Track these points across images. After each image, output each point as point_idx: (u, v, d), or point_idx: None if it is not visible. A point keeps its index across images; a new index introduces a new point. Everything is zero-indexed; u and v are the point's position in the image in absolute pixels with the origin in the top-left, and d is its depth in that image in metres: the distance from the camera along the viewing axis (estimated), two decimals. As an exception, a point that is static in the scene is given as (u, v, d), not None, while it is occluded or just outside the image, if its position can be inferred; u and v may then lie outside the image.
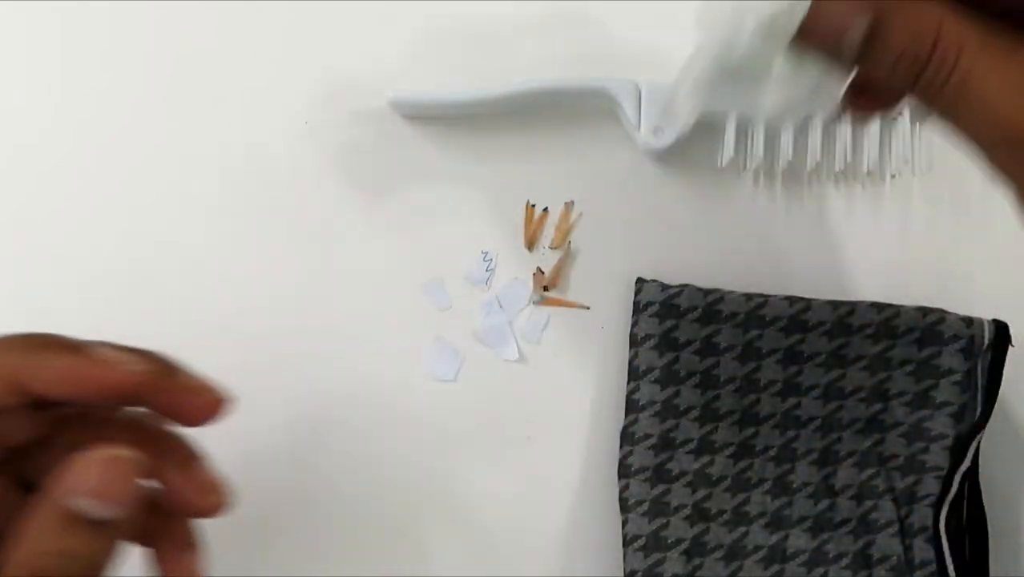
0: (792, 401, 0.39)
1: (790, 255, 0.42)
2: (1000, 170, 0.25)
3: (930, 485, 0.38)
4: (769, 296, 0.40)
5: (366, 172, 0.42)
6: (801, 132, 0.41)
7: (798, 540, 0.38)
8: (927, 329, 0.39)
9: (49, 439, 0.28)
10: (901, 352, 0.39)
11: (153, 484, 0.28)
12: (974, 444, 0.38)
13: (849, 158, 0.40)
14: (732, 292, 0.40)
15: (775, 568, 0.38)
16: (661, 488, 0.39)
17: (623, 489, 0.39)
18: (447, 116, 0.42)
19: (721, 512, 0.39)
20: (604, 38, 0.43)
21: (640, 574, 0.38)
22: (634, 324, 0.40)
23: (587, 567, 0.40)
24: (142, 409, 0.28)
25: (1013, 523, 0.40)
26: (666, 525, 0.38)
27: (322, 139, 0.42)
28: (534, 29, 0.43)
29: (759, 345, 0.39)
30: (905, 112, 0.40)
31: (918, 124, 0.41)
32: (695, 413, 0.39)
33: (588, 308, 0.41)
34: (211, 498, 0.29)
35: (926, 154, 0.41)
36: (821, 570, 0.38)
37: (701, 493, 0.39)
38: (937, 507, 0.38)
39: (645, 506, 0.38)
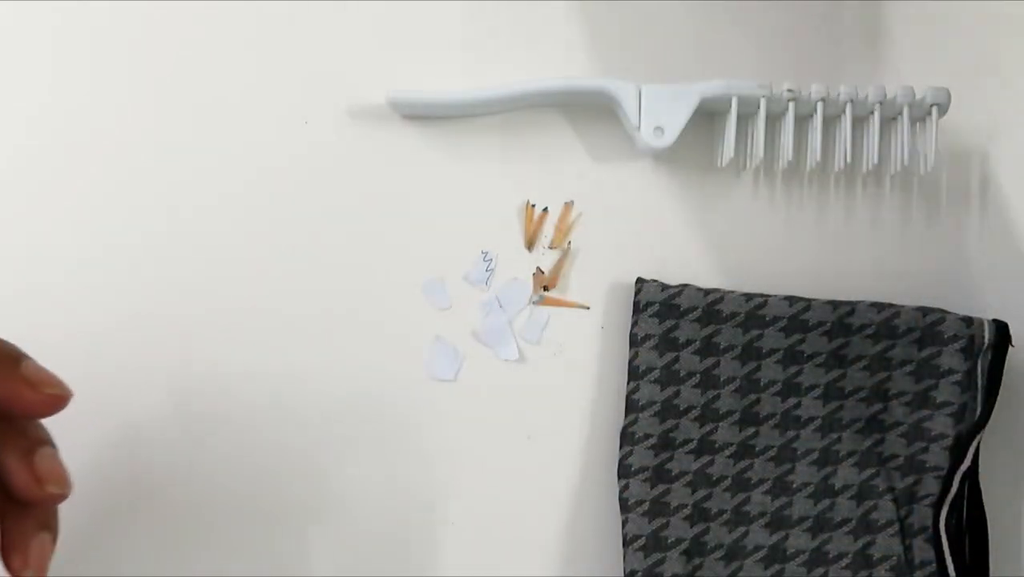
0: (792, 401, 0.39)
1: (790, 255, 0.42)
2: None
3: (930, 485, 0.38)
4: (769, 296, 0.40)
5: (365, 172, 0.42)
6: (801, 132, 0.41)
7: (798, 540, 0.38)
8: (927, 329, 0.39)
9: None
10: (901, 352, 0.39)
11: None
12: (974, 444, 0.38)
13: (849, 158, 0.40)
14: (732, 292, 0.40)
15: (775, 568, 0.38)
16: (661, 488, 0.39)
17: (623, 489, 0.39)
18: (447, 116, 0.42)
19: (721, 512, 0.39)
20: (604, 38, 0.43)
21: (640, 574, 0.38)
22: (634, 324, 0.40)
23: (587, 567, 0.40)
24: None
25: (1013, 523, 0.40)
26: (666, 525, 0.38)
27: (322, 139, 0.42)
28: (534, 29, 0.43)
29: (759, 345, 0.39)
30: (905, 112, 0.40)
31: (918, 124, 0.41)
32: (695, 413, 0.39)
33: (588, 308, 0.41)
34: (48, 488, 0.29)
35: (926, 154, 0.41)
36: (821, 570, 0.38)
37: (701, 493, 0.39)
38: (937, 507, 0.38)
39: (645, 506, 0.38)
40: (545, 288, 0.41)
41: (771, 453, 0.39)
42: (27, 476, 0.29)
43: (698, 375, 0.39)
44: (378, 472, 0.40)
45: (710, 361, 0.39)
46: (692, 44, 0.43)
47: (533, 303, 0.41)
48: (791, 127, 0.40)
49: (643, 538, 0.38)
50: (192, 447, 0.40)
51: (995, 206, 0.42)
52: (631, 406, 0.39)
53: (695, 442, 0.39)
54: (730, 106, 0.40)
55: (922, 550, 0.37)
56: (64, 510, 0.31)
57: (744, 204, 0.42)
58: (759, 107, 0.40)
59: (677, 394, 0.39)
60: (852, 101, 0.40)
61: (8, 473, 0.29)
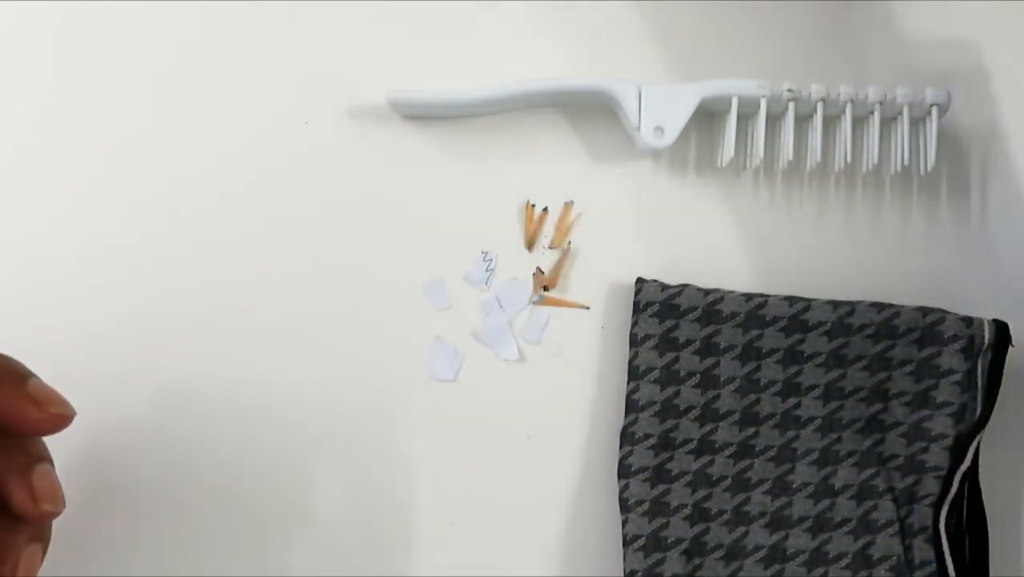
0: (792, 401, 0.39)
1: (790, 255, 0.42)
2: None
3: (930, 485, 0.38)
4: (769, 296, 0.40)
5: (365, 172, 0.42)
6: (801, 132, 0.41)
7: (798, 540, 0.38)
8: (927, 329, 0.39)
9: None
10: (901, 352, 0.39)
11: None
12: (974, 444, 0.38)
13: (849, 158, 0.40)
14: (732, 292, 0.40)
15: (775, 568, 0.38)
16: (661, 488, 0.39)
17: (623, 489, 0.39)
18: (447, 116, 0.42)
19: (721, 512, 0.39)
20: (604, 38, 0.43)
21: (640, 574, 0.38)
22: (634, 324, 0.40)
23: (587, 567, 0.40)
24: None
25: (1013, 523, 0.40)
26: (666, 525, 0.38)
27: (322, 139, 0.42)
28: (534, 29, 0.43)
29: (759, 345, 0.39)
30: (905, 112, 0.40)
31: (918, 124, 0.41)
32: (695, 413, 0.39)
33: (588, 308, 0.41)
34: (42, 506, 0.29)
35: (926, 154, 0.41)
36: (821, 570, 0.38)
37: (701, 493, 0.39)
38: (937, 507, 0.38)
39: (645, 506, 0.38)
40: (545, 288, 0.41)
41: (771, 453, 0.39)
42: (24, 493, 0.29)
43: (698, 375, 0.39)
44: (377, 472, 0.40)
45: (710, 361, 0.39)
46: (692, 44, 0.43)
47: (533, 303, 0.41)
48: (791, 127, 0.40)
49: (643, 538, 0.38)
50: (192, 447, 0.40)
51: (995, 206, 0.42)
52: (631, 406, 0.39)
53: (695, 442, 0.39)
54: (730, 106, 0.40)
55: (922, 550, 0.37)
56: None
57: (744, 204, 0.42)
58: (759, 107, 0.40)
59: (677, 394, 0.39)
60: (852, 101, 0.40)
61: (6, 488, 0.29)
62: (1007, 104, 0.43)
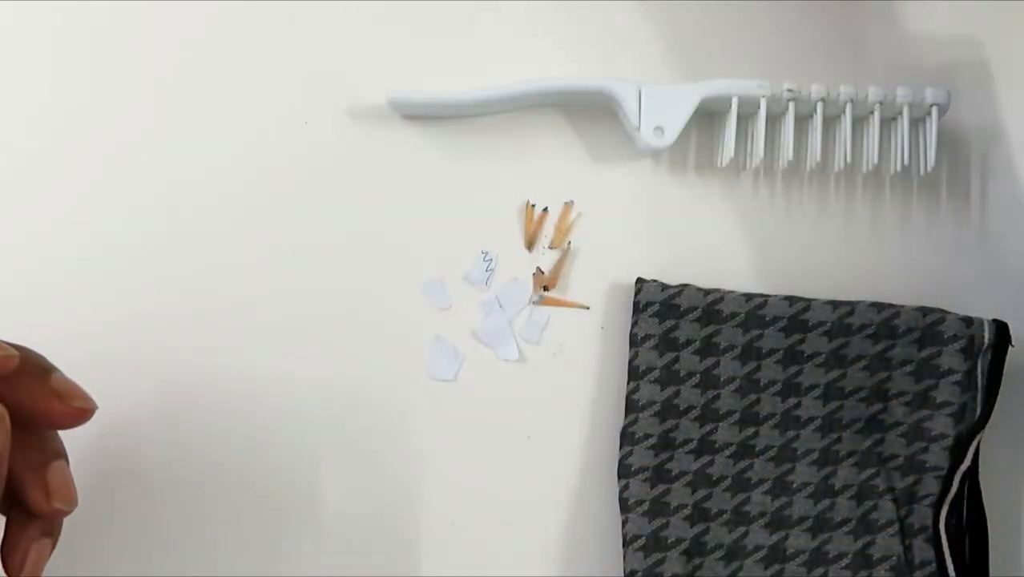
0: (792, 401, 0.39)
1: (790, 255, 0.42)
2: None
3: (930, 485, 0.38)
4: (769, 296, 0.40)
5: (365, 172, 0.42)
6: (801, 132, 0.41)
7: (798, 540, 0.38)
8: (927, 329, 0.39)
9: None
10: (901, 352, 0.39)
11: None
12: (974, 444, 0.38)
13: (849, 158, 0.40)
14: (732, 292, 0.40)
15: (775, 568, 0.38)
16: (661, 488, 0.39)
17: (623, 489, 0.39)
18: (447, 116, 0.42)
19: (721, 512, 0.39)
20: (604, 38, 0.43)
21: (640, 574, 0.38)
22: (634, 324, 0.40)
23: (587, 567, 0.40)
24: None
25: (1013, 523, 0.40)
26: (666, 525, 0.38)
27: (321, 139, 0.42)
28: (535, 29, 0.43)
29: (759, 345, 0.39)
30: (905, 112, 0.40)
31: (918, 124, 0.41)
32: (695, 413, 0.39)
33: (588, 308, 0.41)
34: (55, 504, 0.30)
35: (926, 154, 0.41)
36: (821, 570, 0.38)
37: (701, 493, 0.39)
38: (937, 507, 0.38)
39: (645, 506, 0.38)
40: (545, 288, 0.41)
41: (771, 453, 0.39)
42: (38, 489, 0.29)
43: (698, 375, 0.39)
44: (377, 472, 0.40)
45: (710, 361, 0.39)
46: (692, 44, 0.43)
47: (533, 303, 0.41)
48: (791, 127, 0.40)
49: (643, 538, 0.38)
50: (192, 447, 0.40)
51: (995, 206, 0.42)
52: (631, 406, 0.39)
53: (695, 442, 0.39)
54: (730, 106, 0.40)
55: (922, 550, 0.37)
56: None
57: (744, 204, 0.42)
58: (759, 107, 0.40)
59: (677, 394, 0.39)
60: (852, 101, 0.40)
61: (21, 482, 0.29)
62: (1007, 104, 0.43)
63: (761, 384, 0.39)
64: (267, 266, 0.41)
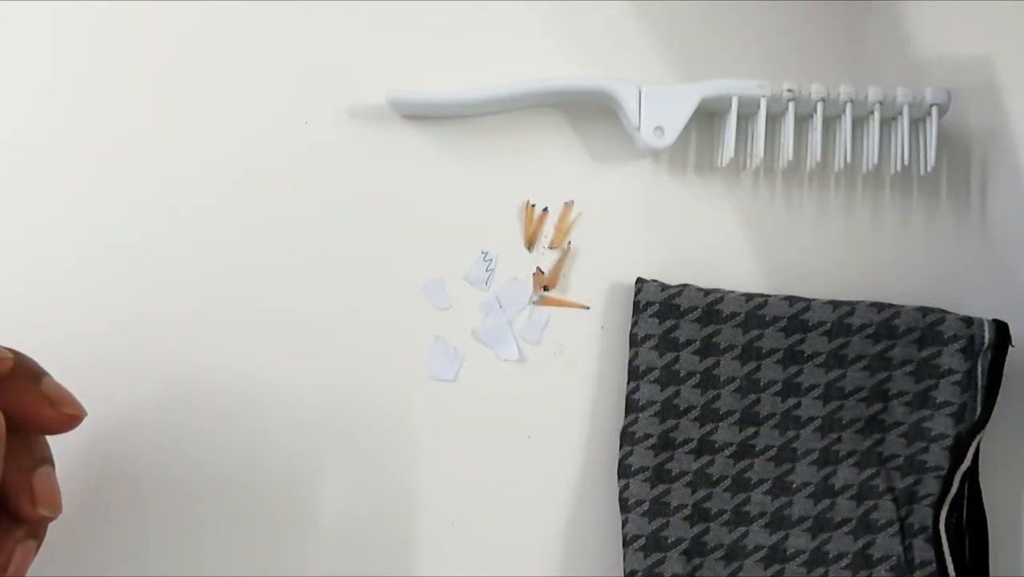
0: (792, 401, 0.39)
1: (790, 255, 0.42)
2: None
3: (930, 485, 0.38)
4: (769, 296, 0.40)
5: (365, 172, 0.42)
6: (801, 132, 0.41)
7: (798, 540, 0.38)
8: (927, 329, 0.39)
9: None
10: (901, 352, 0.39)
11: None
12: (974, 444, 0.38)
13: (849, 158, 0.40)
14: (732, 292, 0.40)
15: (775, 568, 0.38)
16: (661, 488, 0.39)
17: (623, 489, 0.39)
18: (447, 116, 0.42)
19: (721, 512, 0.39)
20: (604, 38, 0.43)
21: (640, 574, 0.38)
22: (634, 324, 0.40)
23: (587, 567, 0.40)
24: None
25: (1013, 523, 0.40)
26: (666, 525, 0.38)
27: (321, 139, 0.42)
28: (534, 29, 0.43)
29: (759, 345, 0.39)
30: (905, 112, 0.40)
31: (918, 124, 0.41)
32: (695, 413, 0.39)
33: (588, 308, 0.41)
34: (39, 510, 0.30)
35: (926, 154, 0.41)
36: (821, 570, 0.38)
37: (701, 493, 0.39)
38: (937, 507, 0.38)
39: (645, 506, 0.38)
40: (545, 288, 0.41)
41: (771, 453, 0.39)
42: (24, 495, 0.30)
43: (698, 375, 0.39)
44: (377, 472, 0.40)
45: (710, 361, 0.39)
46: (692, 44, 0.43)
47: (533, 303, 0.41)
48: (791, 127, 0.40)
49: (643, 538, 0.38)
50: (192, 447, 0.40)
51: (995, 206, 0.42)
52: (631, 406, 0.39)
53: (695, 442, 0.39)
54: (730, 106, 0.40)
55: (922, 550, 0.37)
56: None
57: (744, 204, 0.42)
58: (759, 107, 0.40)
59: (677, 394, 0.39)
60: (852, 101, 0.40)
61: (7, 486, 0.29)
62: (1007, 104, 0.43)
63: (761, 384, 0.39)
64: (267, 266, 0.41)
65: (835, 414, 0.39)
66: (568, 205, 0.42)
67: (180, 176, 0.42)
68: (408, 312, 0.41)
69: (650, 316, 0.39)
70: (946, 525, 0.38)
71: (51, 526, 0.31)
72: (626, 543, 0.38)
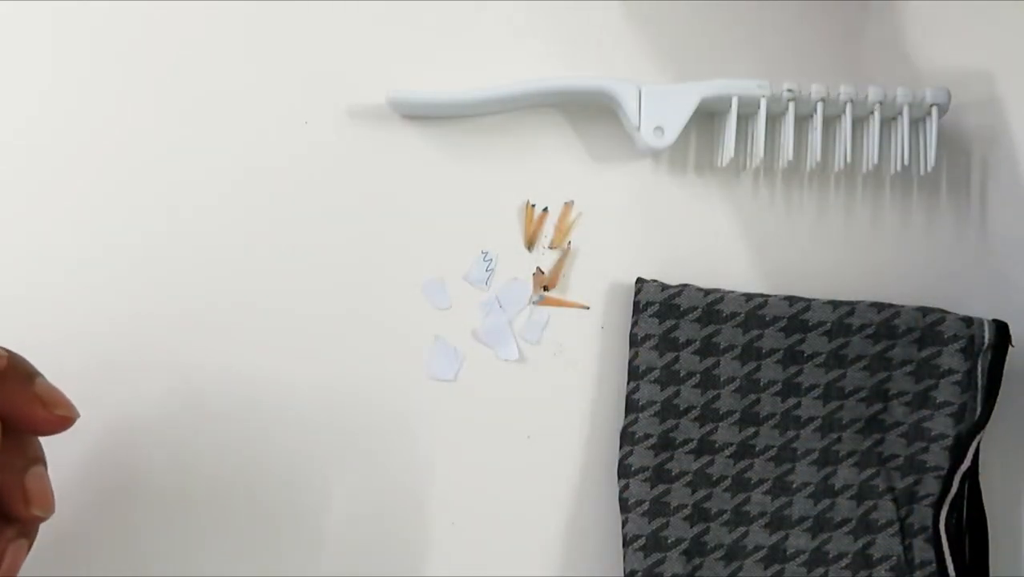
0: (792, 401, 0.39)
1: (790, 255, 0.42)
2: None
3: (930, 485, 0.38)
4: (769, 296, 0.40)
5: (365, 172, 0.42)
6: (801, 132, 0.41)
7: (798, 540, 0.38)
8: (927, 329, 0.39)
9: None
10: (901, 352, 0.39)
11: None
12: (974, 444, 0.38)
13: (849, 158, 0.40)
14: (732, 292, 0.40)
15: (775, 568, 0.38)
16: (661, 488, 0.39)
17: (623, 489, 0.39)
18: (447, 116, 0.42)
19: (721, 512, 0.39)
20: (604, 38, 0.43)
21: (640, 574, 0.38)
22: (634, 324, 0.40)
23: (587, 567, 0.40)
24: None
25: (1013, 523, 0.40)
26: (666, 525, 0.38)
27: (322, 139, 0.42)
28: (535, 29, 0.43)
29: (759, 345, 0.39)
30: (905, 112, 0.40)
31: (918, 124, 0.41)
32: (695, 413, 0.39)
33: (588, 308, 0.41)
34: (32, 510, 0.30)
35: (926, 154, 0.41)
36: (821, 570, 0.38)
37: (701, 493, 0.39)
38: (937, 507, 0.38)
39: (645, 506, 0.38)
40: (545, 288, 0.41)
41: (771, 453, 0.39)
42: (17, 494, 0.30)
43: (698, 375, 0.39)
44: (377, 472, 0.40)
45: (710, 361, 0.39)
46: (692, 44, 0.43)
47: (533, 303, 0.41)
48: (791, 127, 0.40)
49: (643, 538, 0.38)
50: (191, 447, 0.40)
51: (995, 206, 0.42)
52: (631, 406, 0.39)
53: (695, 442, 0.39)
54: (730, 106, 0.40)
55: (922, 550, 0.37)
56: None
57: (744, 204, 0.42)
58: (759, 107, 0.40)
59: (677, 394, 0.39)
60: (852, 101, 0.40)
61: (0, 487, 0.29)
62: (1007, 104, 0.43)
63: (761, 384, 0.39)
64: (267, 266, 0.41)
65: (835, 414, 0.39)
66: (568, 205, 0.42)
67: (180, 176, 0.42)
68: (408, 312, 0.41)
69: (650, 316, 0.39)
70: (946, 525, 0.38)
71: (49, 527, 0.31)
72: (626, 543, 0.38)
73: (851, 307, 0.39)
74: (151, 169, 0.42)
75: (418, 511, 0.40)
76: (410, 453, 0.40)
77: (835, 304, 0.39)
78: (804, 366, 0.39)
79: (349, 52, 0.43)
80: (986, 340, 0.38)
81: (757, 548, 0.38)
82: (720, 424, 0.39)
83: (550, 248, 0.42)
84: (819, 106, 0.40)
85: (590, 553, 0.40)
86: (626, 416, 0.39)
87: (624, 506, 0.39)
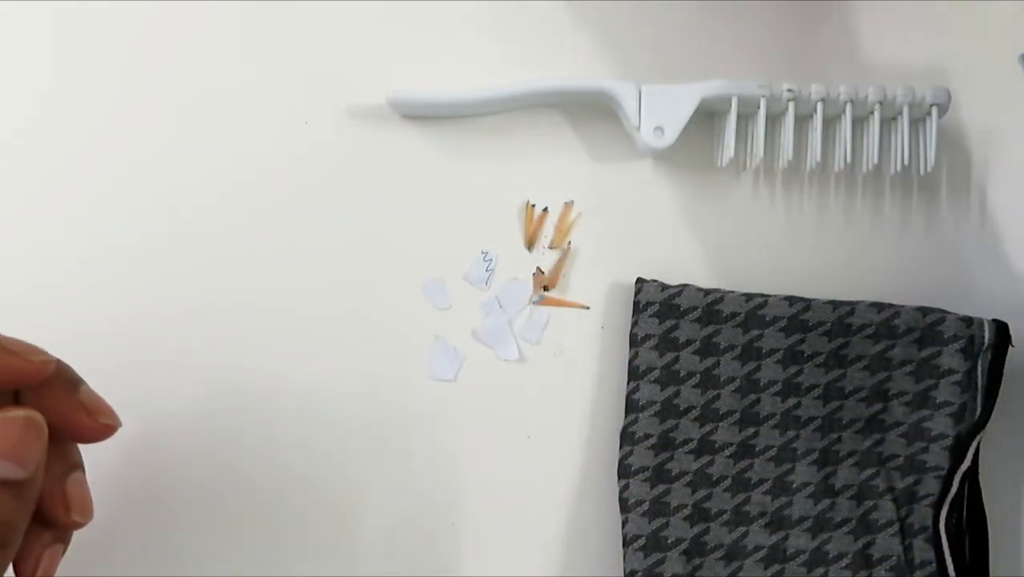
0: (792, 401, 0.39)
1: (790, 255, 0.42)
2: None
3: (930, 485, 0.38)
4: (769, 296, 0.40)
5: (365, 172, 0.42)
6: (801, 132, 0.41)
7: (798, 540, 0.38)
8: (927, 329, 0.39)
9: None
10: (901, 352, 0.39)
11: None
12: (974, 444, 0.38)
13: (849, 158, 0.40)
14: (732, 292, 0.40)
15: (775, 568, 0.38)
16: (661, 488, 0.39)
17: (623, 489, 0.39)
18: (447, 116, 0.42)
19: (721, 512, 0.39)
20: (604, 38, 0.43)
21: (640, 574, 0.38)
22: (634, 324, 0.40)
23: (587, 567, 0.40)
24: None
25: (1013, 523, 0.40)
26: (666, 525, 0.38)
27: (322, 139, 0.42)
28: (535, 29, 0.43)
29: (759, 345, 0.39)
30: (905, 112, 0.40)
31: (918, 124, 0.41)
32: (695, 413, 0.39)
33: (588, 308, 0.41)
34: (72, 516, 0.30)
35: (926, 154, 0.41)
36: (821, 570, 0.38)
37: (701, 493, 0.39)
38: (937, 507, 0.38)
39: (645, 506, 0.38)
40: (545, 288, 0.41)
41: (771, 453, 0.39)
42: (58, 500, 0.30)
43: (698, 375, 0.39)
44: (377, 472, 0.40)
45: (710, 361, 0.39)
46: (692, 44, 0.43)
47: (533, 303, 0.41)
48: (791, 127, 0.40)
49: (643, 538, 0.38)
50: (190, 446, 0.40)
51: (995, 206, 0.42)
52: (631, 406, 0.39)
53: (695, 442, 0.39)
54: (730, 106, 0.40)
55: (922, 550, 0.37)
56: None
57: (744, 204, 0.42)
58: (759, 107, 0.40)
59: (677, 394, 0.39)
60: (852, 101, 0.40)
61: (41, 491, 0.29)
62: (1007, 104, 0.43)
63: (761, 384, 0.39)
64: (267, 266, 0.41)
65: (835, 414, 0.39)
66: (568, 205, 0.42)
67: (180, 176, 0.42)
68: (408, 312, 0.41)
69: (650, 316, 0.39)
70: (946, 525, 0.38)
71: None
72: (626, 543, 0.38)
73: (851, 307, 0.39)
74: (151, 169, 0.42)
75: (418, 511, 0.40)
76: (409, 453, 0.40)
77: (835, 304, 0.39)
78: (804, 366, 0.39)
79: (349, 52, 0.43)
80: (986, 340, 0.38)
81: (757, 548, 0.38)
82: (720, 424, 0.39)
83: (550, 248, 0.42)
84: (819, 106, 0.40)
85: (590, 553, 0.40)
86: (626, 416, 0.39)
87: (624, 506, 0.39)
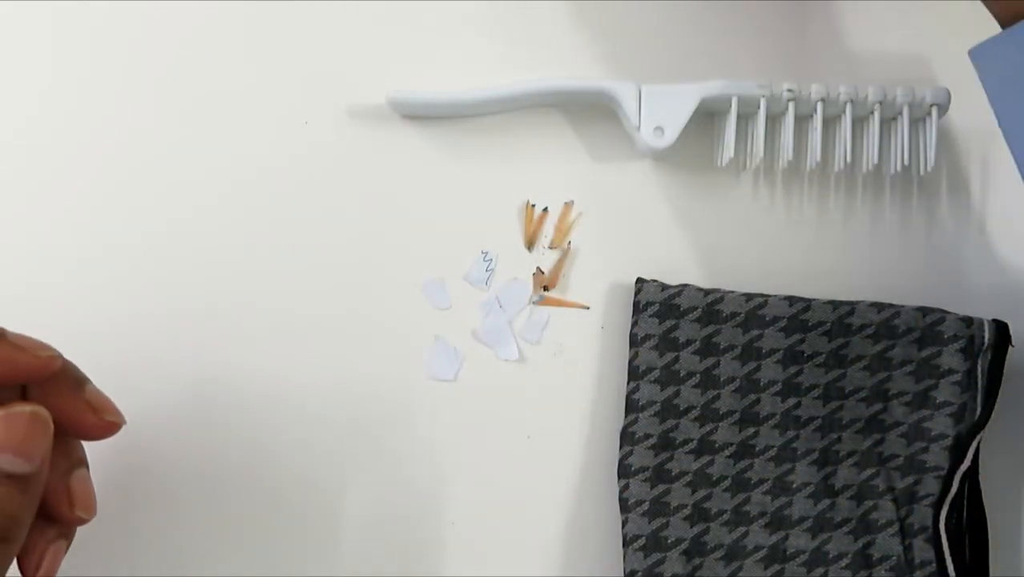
0: (792, 401, 0.39)
1: (790, 255, 0.42)
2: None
3: (930, 485, 0.38)
4: (769, 296, 0.40)
5: (365, 172, 0.42)
6: (801, 132, 0.41)
7: (798, 540, 0.38)
8: (927, 329, 0.39)
9: None
10: (901, 352, 0.39)
11: None
12: (974, 444, 0.38)
13: (849, 158, 0.40)
14: (732, 292, 0.40)
15: (775, 568, 0.38)
16: (661, 488, 0.39)
17: (623, 489, 0.39)
18: (447, 116, 0.42)
19: (721, 512, 0.39)
20: (604, 38, 0.43)
21: (640, 574, 0.38)
22: (634, 324, 0.40)
23: (587, 567, 0.40)
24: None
25: (1013, 523, 0.40)
26: (666, 525, 0.38)
27: (322, 139, 0.42)
28: (535, 29, 0.43)
29: (759, 345, 0.39)
30: (905, 112, 0.40)
31: (918, 124, 0.41)
32: (695, 413, 0.39)
33: (588, 308, 0.41)
34: (76, 512, 0.31)
35: (926, 154, 0.41)
36: (821, 570, 0.38)
37: (701, 493, 0.39)
38: (937, 507, 0.38)
39: (645, 506, 0.38)
40: (545, 288, 0.41)
41: (771, 453, 0.39)
42: (62, 496, 0.30)
43: (698, 375, 0.39)
44: (377, 472, 0.40)
45: (710, 361, 0.39)
46: (692, 44, 0.43)
47: (533, 303, 0.41)
48: (791, 127, 0.40)
49: (643, 538, 0.38)
50: (189, 446, 0.40)
51: (995, 206, 0.42)
52: (631, 406, 0.39)
53: (695, 442, 0.39)
54: (730, 106, 0.40)
55: (922, 550, 0.37)
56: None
57: (744, 204, 0.42)
58: (759, 107, 0.40)
59: (677, 394, 0.39)
60: (852, 101, 0.40)
61: (46, 487, 0.30)
62: (1007, 104, 0.43)
63: (761, 384, 0.39)
64: (267, 266, 0.41)
65: (835, 414, 0.39)
66: (568, 205, 0.42)
67: (180, 176, 0.42)
68: (408, 312, 0.41)
69: (650, 316, 0.39)
70: (946, 525, 0.38)
71: None
72: (626, 543, 0.38)
73: (851, 307, 0.39)
74: (151, 169, 0.42)
75: (418, 511, 0.40)
76: (410, 453, 0.40)
77: (835, 304, 0.39)
78: (804, 366, 0.39)
79: (349, 52, 0.43)
80: (986, 340, 0.38)
81: (757, 548, 0.38)
82: (720, 424, 0.39)
83: (550, 248, 0.42)
84: (819, 106, 0.40)
85: (590, 553, 0.40)
86: (626, 416, 0.39)
87: (624, 506, 0.39)
